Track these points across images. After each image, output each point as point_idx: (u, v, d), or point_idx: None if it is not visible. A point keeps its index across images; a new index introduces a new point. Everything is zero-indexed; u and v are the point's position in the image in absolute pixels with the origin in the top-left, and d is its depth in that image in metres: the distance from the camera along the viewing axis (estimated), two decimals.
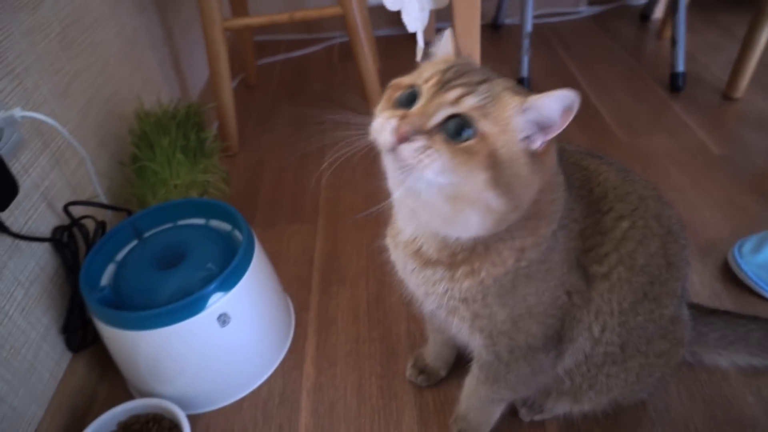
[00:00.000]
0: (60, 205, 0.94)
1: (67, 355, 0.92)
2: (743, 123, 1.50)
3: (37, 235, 0.88)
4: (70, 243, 0.94)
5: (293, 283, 1.14)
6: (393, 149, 0.51)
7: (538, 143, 0.53)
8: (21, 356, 0.82)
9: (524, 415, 0.85)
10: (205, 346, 0.86)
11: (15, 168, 0.84)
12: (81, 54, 1.10)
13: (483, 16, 1.59)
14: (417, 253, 0.64)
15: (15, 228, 0.83)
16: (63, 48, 1.04)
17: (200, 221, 1.02)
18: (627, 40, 2.04)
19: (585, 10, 2.26)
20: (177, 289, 0.84)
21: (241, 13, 1.72)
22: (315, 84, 1.93)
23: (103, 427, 0.83)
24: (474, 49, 1.26)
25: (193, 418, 0.87)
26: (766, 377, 0.88)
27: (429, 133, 0.51)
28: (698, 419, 0.83)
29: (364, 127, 0.55)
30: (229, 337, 0.87)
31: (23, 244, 0.85)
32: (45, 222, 0.91)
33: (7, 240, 0.82)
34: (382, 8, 1.20)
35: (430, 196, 0.53)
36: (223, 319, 0.84)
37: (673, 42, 1.63)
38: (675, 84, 1.65)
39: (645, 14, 2.16)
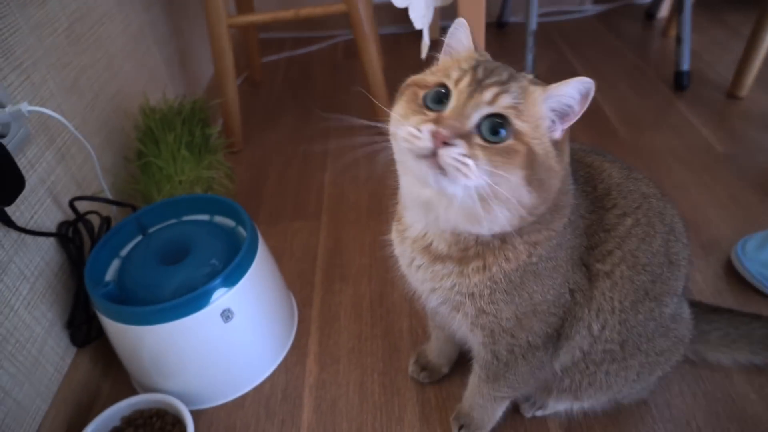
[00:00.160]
0: (65, 200, 0.95)
1: (72, 350, 0.93)
2: (747, 121, 1.49)
3: (43, 229, 0.89)
4: (75, 238, 0.94)
5: (296, 279, 1.14)
6: (430, 155, 0.50)
7: (558, 132, 0.54)
8: (26, 351, 0.82)
9: (526, 410, 0.85)
10: (208, 341, 0.86)
11: (21, 163, 0.85)
12: (88, 49, 1.10)
13: (488, 14, 1.59)
14: (427, 249, 0.63)
15: (21, 222, 0.83)
16: (70, 43, 1.04)
17: (204, 217, 1.03)
18: (632, 38, 2.03)
19: (590, 8, 2.25)
20: (181, 285, 0.85)
21: (246, 10, 1.73)
22: (320, 81, 1.93)
23: (106, 421, 0.84)
24: (476, 42, 1.26)
25: (196, 414, 0.88)
26: None
27: (468, 136, 0.50)
28: (700, 416, 0.83)
29: (380, 133, 0.55)
30: (232, 332, 0.87)
31: (29, 238, 0.85)
32: (50, 217, 0.92)
33: (13, 234, 0.82)
34: (386, 6, 1.20)
35: (464, 198, 0.52)
36: (226, 315, 0.85)
37: (678, 40, 1.62)
38: (680, 82, 1.65)
39: (650, 12, 2.15)
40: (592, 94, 0.51)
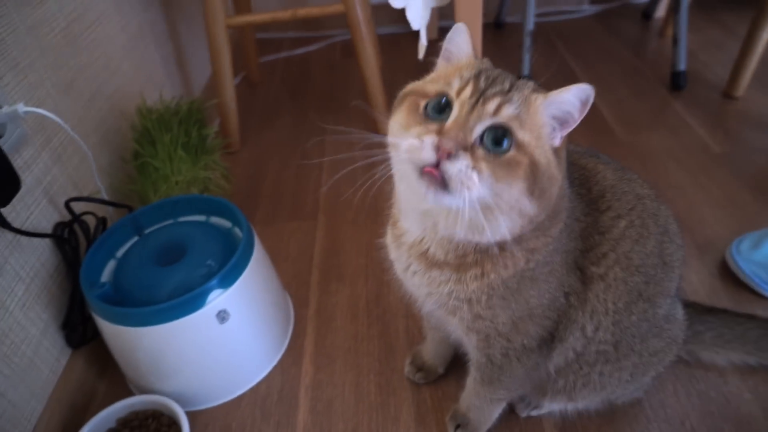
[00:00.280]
0: (61, 201, 0.95)
1: (67, 351, 0.93)
2: (743, 121, 1.50)
3: (39, 230, 0.88)
4: (71, 239, 0.94)
5: (293, 280, 1.14)
6: (432, 167, 0.49)
7: (558, 139, 0.54)
8: (21, 352, 0.82)
9: (521, 410, 0.85)
10: (204, 342, 0.86)
11: (17, 163, 0.85)
12: (85, 50, 1.10)
13: (486, 14, 1.59)
14: (423, 255, 0.63)
15: (16, 223, 0.83)
16: (67, 43, 1.04)
17: (201, 218, 1.03)
18: (629, 38, 2.04)
19: (587, 8, 2.25)
20: (177, 286, 0.85)
21: (244, 10, 1.73)
22: (317, 82, 1.93)
23: (101, 423, 0.84)
24: (476, 47, 1.27)
25: (192, 415, 0.88)
26: (763, 375, 0.88)
27: (471, 148, 0.49)
28: (694, 416, 0.84)
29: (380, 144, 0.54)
30: (228, 333, 0.87)
31: (24, 239, 0.85)
32: (46, 218, 0.92)
33: (9, 235, 0.82)
34: (384, 6, 1.20)
35: (466, 209, 0.51)
36: (222, 316, 0.85)
37: (675, 40, 1.62)
38: (676, 82, 1.65)
39: (647, 13, 2.15)
40: (591, 100, 0.51)
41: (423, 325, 0.93)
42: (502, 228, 0.53)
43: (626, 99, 1.65)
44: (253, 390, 0.94)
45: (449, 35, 0.58)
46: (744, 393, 0.86)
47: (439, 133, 0.50)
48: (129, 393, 0.94)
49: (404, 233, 0.65)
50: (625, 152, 1.41)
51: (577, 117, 0.52)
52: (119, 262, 0.94)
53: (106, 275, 0.93)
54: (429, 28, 1.24)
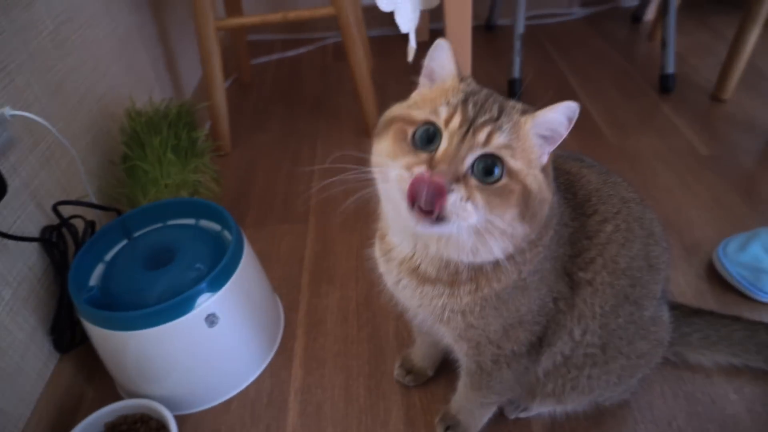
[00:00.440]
0: (49, 205, 0.94)
1: (55, 356, 0.93)
2: (731, 124, 1.51)
3: (26, 234, 0.88)
4: (59, 243, 0.94)
5: (283, 283, 1.14)
6: None
7: (545, 156, 0.54)
8: (8, 357, 0.82)
9: (509, 412, 0.85)
10: (193, 346, 0.86)
11: (4, 167, 0.84)
12: (73, 52, 1.10)
13: (477, 16, 1.60)
14: (415, 271, 0.62)
15: (3, 227, 0.83)
16: (55, 46, 1.04)
17: (190, 221, 1.03)
18: (618, 41, 2.05)
19: (577, 11, 2.27)
20: (166, 290, 0.85)
21: (236, 12, 1.73)
22: (309, 84, 1.93)
23: (90, 427, 0.83)
24: (465, 50, 1.27)
25: (180, 419, 0.88)
26: (748, 376, 0.89)
27: (464, 178, 0.49)
28: (681, 417, 0.84)
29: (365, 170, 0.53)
30: (217, 337, 0.87)
31: (11, 243, 0.85)
32: (34, 221, 0.91)
33: None
34: (375, 8, 1.21)
35: (459, 235, 0.51)
36: (211, 320, 0.85)
37: (663, 44, 1.64)
38: (665, 85, 1.67)
39: (636, 16, 2.17)
40: (576, 116, 0.51)
41: (412, 328, 0.93)
42: (495, 250, 0.53)
43: (615, 102, 1.66)
44: (243, 394, 0.94)
45: (431, 52, 0.56)
46: (730, 394, 0.87)
47: (430, 164, 0.49)
48: (118, 397, 0.94)
49: (393, 248, 0.64)
50: (614, 155, 1.42)
51: (564, 133, 0.52)
52: (108, 265, 0.94)
53: (94, 279, 0.93)
54: (420, 30, 1.24)
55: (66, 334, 0.93)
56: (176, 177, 1.10)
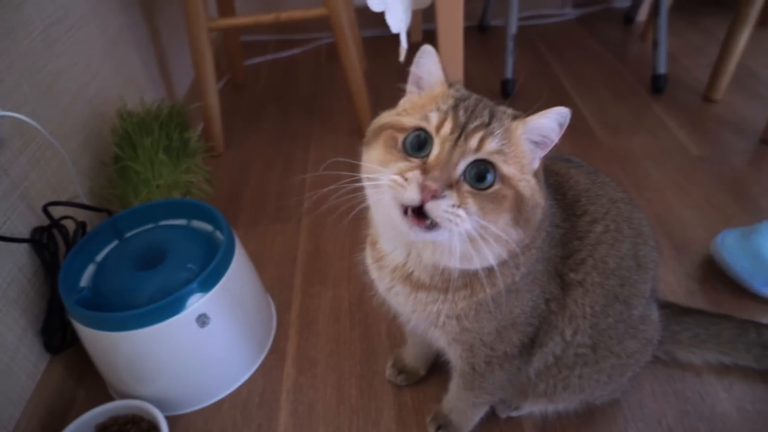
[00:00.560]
0: (40, 206, 0.94)
1: (45, 357, 0.92)
2: (722, 124, 1.52)
3: (16, 235, 0.88)
4: (50, 244, 0.94)
5: (275, 283, 1.14)
6: (418, 206, 0.48)
7: (537, 161, 0.54)
8: None
9: (501, 411, 0.86)
10: (184, 347, 0.86)
11: None
12: (64, 53, 1.09)
13: (470, 17, 1.60)
14: (408, 278, 0.62)
15: None
16: (46, 47, 1.03)
17: (182, 222, 1.02)
18: (611, 42, 2.06)
19: (570, 12, 2.27)
20: (157, 290, 0.84)
21: (228, 12, 1.72)
22: (302, 85, 1.93)
23: (80, 429, 0.83)
24: (457, 51, 1.27)
25: (172, 419, 0.88)
26: (737, 374, 0.89)
27: (455, 184, 0.49)
28: (671, 415, 0.85)
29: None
30: (208, 337, 0.87)
31: (1, 244, 0.84)
32: (24, 222, 0.91)
33: None
34: (368, 9, 1.21)
35: (452, 241, 0.51)
36: (202, 320, 0.85)
37: (655, 44, 1.65)
38: (657, 86, 1.67)
39: (629, 17, 2.18)
40: (567, 122, 0.51)
41: (405, 329, 0.93)
42: (489, 257, 0.53)
43: (607, 102, 1.67)
44: (234, 394, 0.94)
45: (417, 59, 0.56)
46: (719, 392, 0.87)
47: (422, 170, 0.49)
48: (109, 398, 0.93)
49: (385, 255, 0.64)
50: (606, 155, 1.43)
51: (555, 139, 0.53)
52: (99, 266, 0.93)
53: (85, 280, 0.93)
54: (412, 30, 1.24)
55: (56, 335, 0.92)
56: (168, 178, 1.10)
